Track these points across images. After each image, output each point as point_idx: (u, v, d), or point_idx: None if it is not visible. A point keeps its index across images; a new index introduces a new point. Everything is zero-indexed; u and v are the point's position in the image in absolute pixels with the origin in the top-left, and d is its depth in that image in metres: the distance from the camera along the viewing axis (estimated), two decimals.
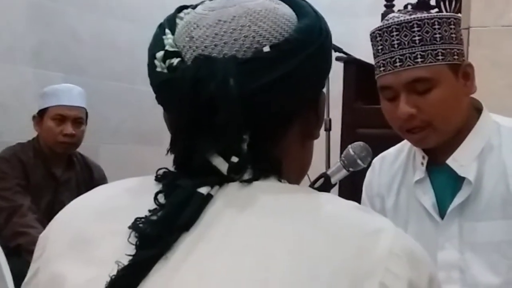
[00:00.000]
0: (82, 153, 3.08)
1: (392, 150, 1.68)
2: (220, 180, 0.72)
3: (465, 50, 1.61)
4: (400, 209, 1.59)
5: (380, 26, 1.47)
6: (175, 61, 0.74)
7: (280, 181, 0.76)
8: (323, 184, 1.41)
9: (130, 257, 0.68)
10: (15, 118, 3.49)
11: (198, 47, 0.75)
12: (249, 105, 0.71)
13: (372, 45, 1.50)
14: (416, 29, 1.42)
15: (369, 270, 0.65)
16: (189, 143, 0.73)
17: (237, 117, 0.70)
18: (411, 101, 1.44)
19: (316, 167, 0.95)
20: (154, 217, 0.70)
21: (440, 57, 1.42)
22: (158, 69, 0.75)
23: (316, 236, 0.67)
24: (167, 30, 0.78)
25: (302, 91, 0.77)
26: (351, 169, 1.44)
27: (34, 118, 2.93)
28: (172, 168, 0.76)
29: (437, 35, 1.43)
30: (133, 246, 0.68)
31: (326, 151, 3.52)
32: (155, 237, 0.68)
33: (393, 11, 3.34)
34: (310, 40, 0.76)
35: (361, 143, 1.47)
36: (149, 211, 0.71)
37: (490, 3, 2.28)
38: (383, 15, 3.18)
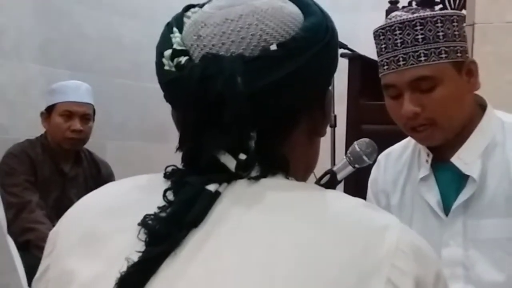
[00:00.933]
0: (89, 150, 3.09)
1: (397, 146, 1.68)
2: (228, 177, 0.72)
3: (469, 46, 1.61)
4: (405, 206, 1.59)
5: (383, 24, 1.47)
6: (183, 59, 0.75)
7: (287, 178, 0.76)
8: (329, 181, 1.41)
9: (140, 254, 0.68)
10: (21, 115, 3.50)
11: (205, 46, 0.75)
12: (256, 103, 0.71)
13: (375, 43, 1.50)
14: (419, 27, 1.42)
15: (375, 266, 0.66)
16: (197, 140, 0.73)
17: (245, 115, 0.70)
18: (415, 99, 1.44)
19: (321, 163, 0.95)
20: (163, 214, 0.70)
21: (443, 55, 1.42)
22: (166, 68, 0.76)
23: (323, 232, 0.68)
24: (174, 29, 0.79)
25: (308, 89, 0.77)
26: (357, 165, 1.44)
27: (42, 114, 2.94)
28: (180, 165, 0.77)
29: (440, 33, 1.42)
30: (143, 243, 0.69)
31: (331, 147, 3.52)
32: (164, 233, 0.69)
33: (397, 7, 3.35)
34: (317, 39, 0.76)
35: (366, 139, 1.47)
36: (158, 208, 0.71)
37: None
38: (388, 11, 3.18)
